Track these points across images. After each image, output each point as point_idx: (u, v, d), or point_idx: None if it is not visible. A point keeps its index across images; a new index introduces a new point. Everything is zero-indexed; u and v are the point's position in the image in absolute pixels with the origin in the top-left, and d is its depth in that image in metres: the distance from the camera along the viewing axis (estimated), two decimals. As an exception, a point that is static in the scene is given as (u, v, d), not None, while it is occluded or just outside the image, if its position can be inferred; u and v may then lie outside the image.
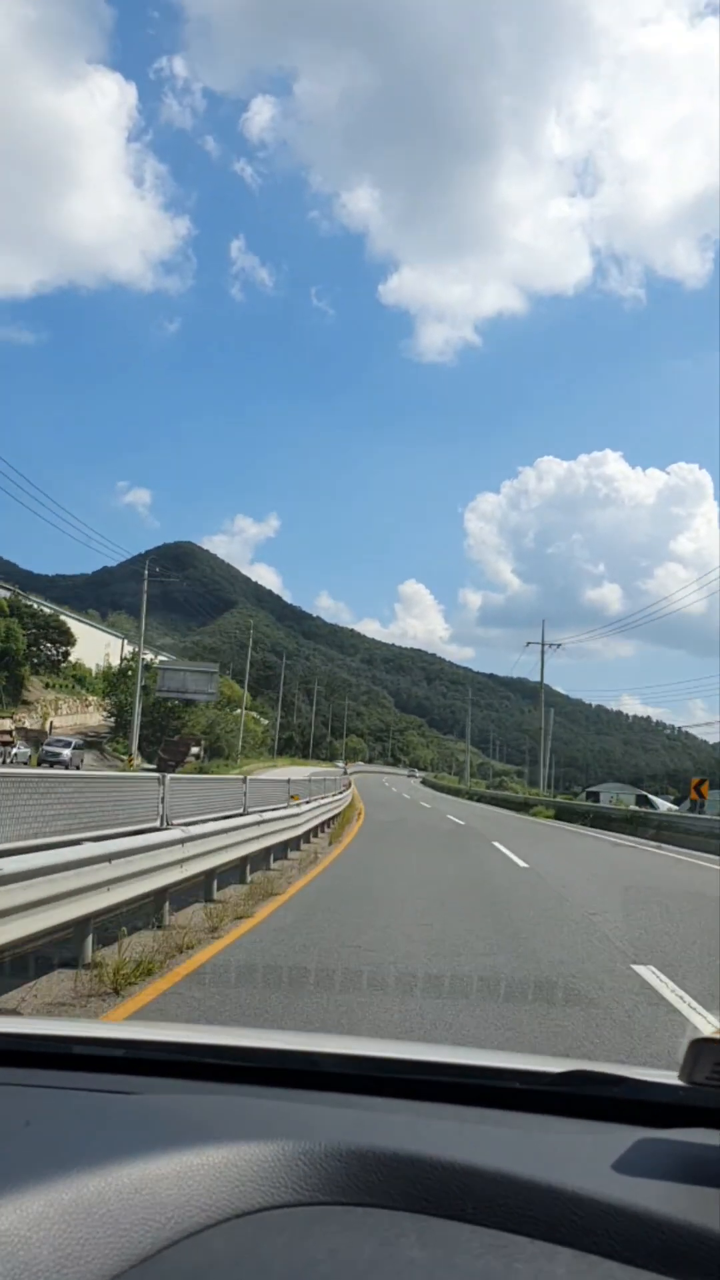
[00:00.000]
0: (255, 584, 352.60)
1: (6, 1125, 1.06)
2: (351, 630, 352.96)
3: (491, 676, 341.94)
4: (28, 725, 47.77)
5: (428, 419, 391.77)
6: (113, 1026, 2.09)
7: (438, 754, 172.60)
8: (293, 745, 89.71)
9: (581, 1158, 1.03)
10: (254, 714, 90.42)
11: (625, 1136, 1.08)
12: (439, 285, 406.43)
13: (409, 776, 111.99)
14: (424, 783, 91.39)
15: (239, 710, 75.43)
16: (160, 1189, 0.88)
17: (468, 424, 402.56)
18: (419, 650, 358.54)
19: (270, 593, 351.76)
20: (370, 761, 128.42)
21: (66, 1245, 0.78)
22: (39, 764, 37.14)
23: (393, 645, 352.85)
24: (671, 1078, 1.16)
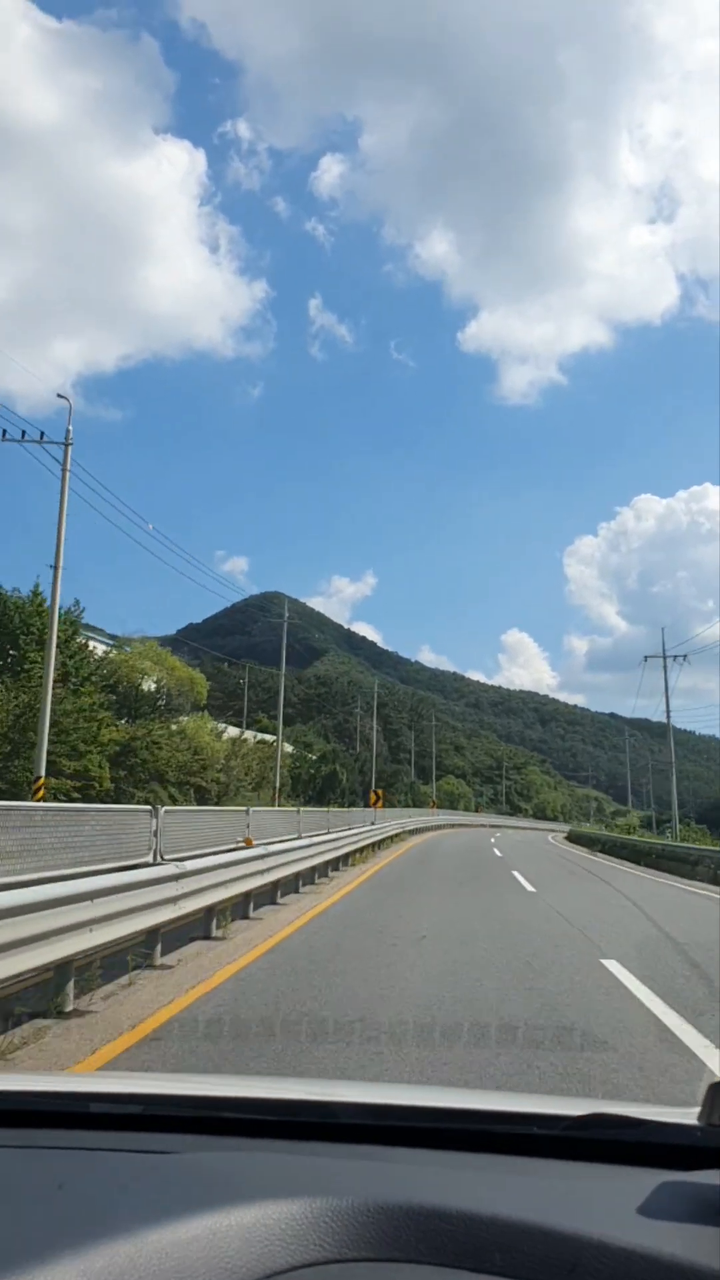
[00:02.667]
0: (349, 631, 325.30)
1: (39, 1189, 1.05)
2: (455, 674, 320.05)
3: (613, 716, 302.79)
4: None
5: (517, 464, 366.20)
6: (126, 1080, 2.11)
7: (569, 799, 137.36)
8: (335, 786, 58.15)
9: (604, 1203, 1.02)
10: (289, 746, 60.29)
11: (647, 1180, 1.06)
12: (520, 326, 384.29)
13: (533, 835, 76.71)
14: (573, 839, 58.99)
15: (247, 734, 45.41)
16: (191, 1252, 0.87)
17: (558, 466, 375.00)
18: (530, 692, 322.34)
19: (364, 639, 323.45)
20: (478, 809, 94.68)
21: None
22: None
23: (500, 688, 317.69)
24: (691, 1117, 1.13)
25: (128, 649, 38.71)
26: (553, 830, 76.20)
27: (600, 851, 36.97)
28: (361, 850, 23.13)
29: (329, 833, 18.93)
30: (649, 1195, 1.01)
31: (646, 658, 48.34)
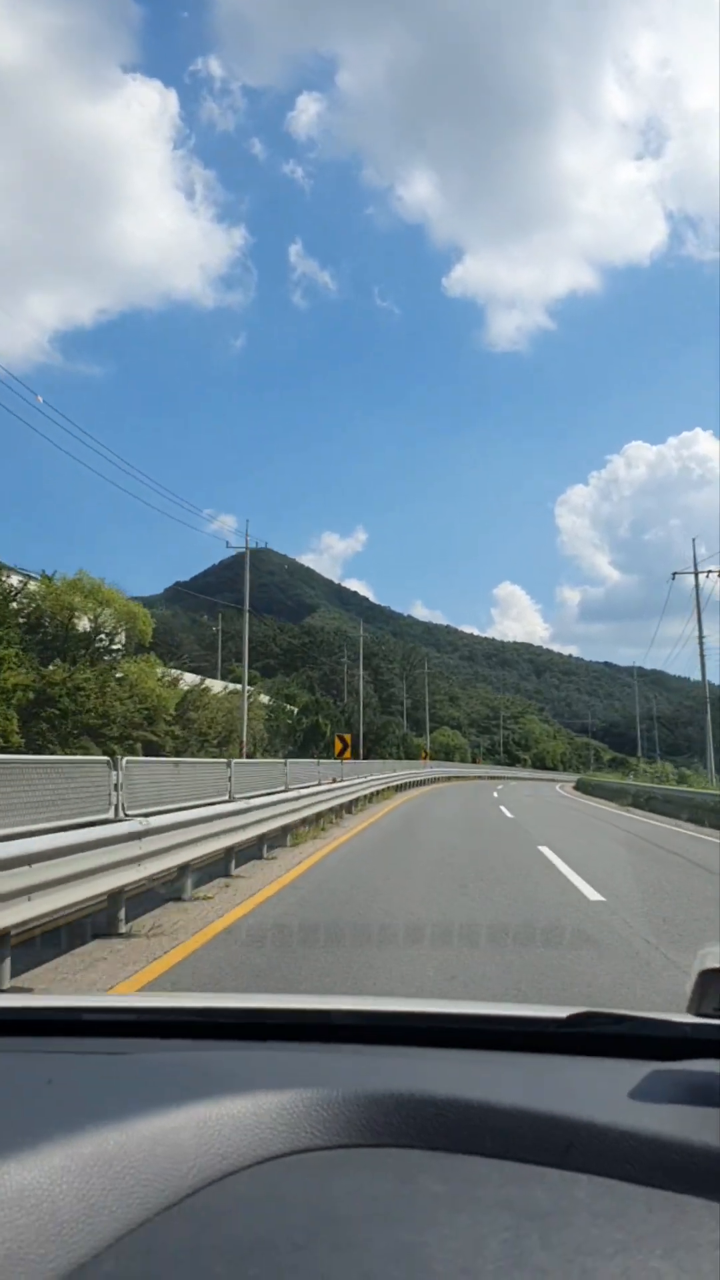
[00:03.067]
0: (340, 586, 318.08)
1: (27, 1086, 1.07)
2: (448, 627, 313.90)
3: (608, 665, 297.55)
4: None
5: (507, 412, 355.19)
6: (122, 997, 2.14)
7: (568, 747, 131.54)
8: (319, 740, 51.94)
9: (595, 1090, 1.06)
10: (265, 697, 54.00)
11: (637, 1070, 1.09)
12: (506, 270, 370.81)
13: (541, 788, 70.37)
14: (584, 789, 53.03)
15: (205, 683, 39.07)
16: (181, 1139, 0.89)
17: (548, 413, 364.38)
18: (524, 643, 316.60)
19: (355, 594, 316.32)
20: (475, 760, 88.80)
21: (90, 1195, 0.78)
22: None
23: (494, 640, 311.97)
24: (679, 1017, 1.16)
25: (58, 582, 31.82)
26: (555, 780, 70.20)
27: (633, 806, 30.34)
28: (317, 815, 16.76)
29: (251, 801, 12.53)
30: (640, 1082, 1.04)
31: (675, 574, 43.98)
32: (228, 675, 57.81)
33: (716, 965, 1.07)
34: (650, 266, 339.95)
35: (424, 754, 52.65)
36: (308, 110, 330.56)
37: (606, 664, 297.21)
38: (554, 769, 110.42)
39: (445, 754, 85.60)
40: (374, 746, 67.13)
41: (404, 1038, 1.34)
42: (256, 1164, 0.90)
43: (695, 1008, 1.09)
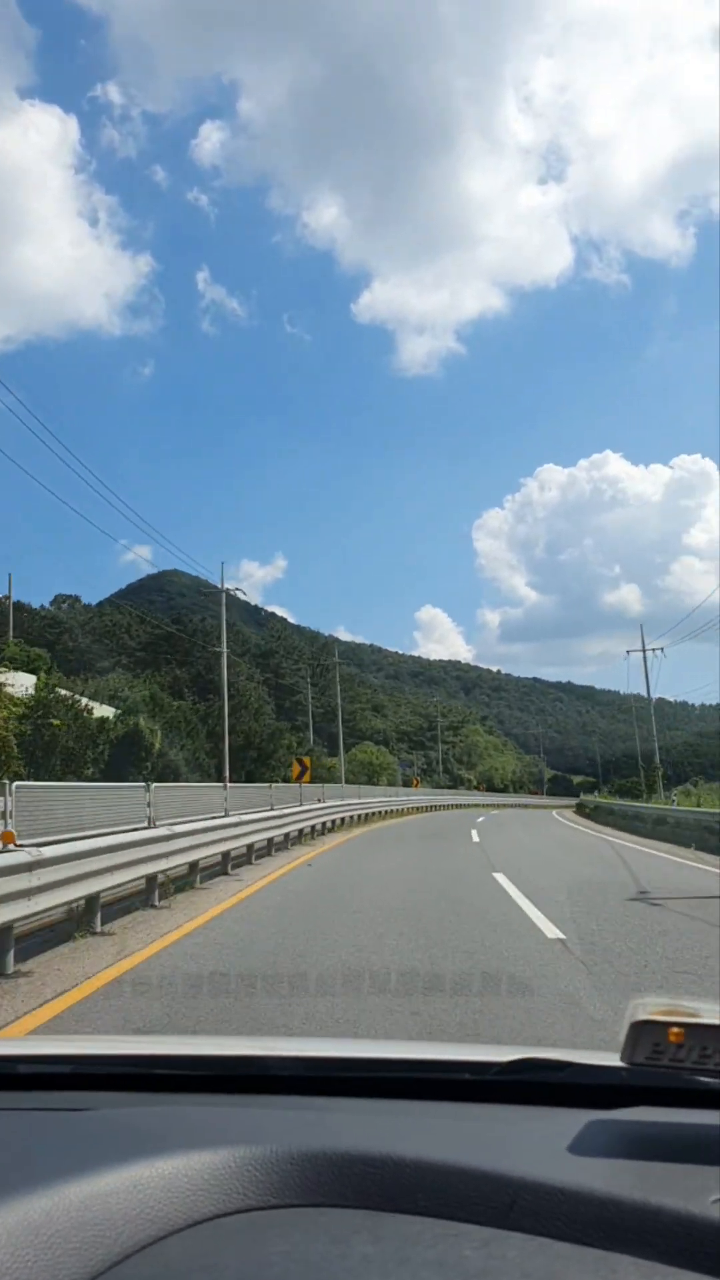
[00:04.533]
0: (257, 608, 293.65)
1: None
2: (372, 646, 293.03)
3: (536, 680, 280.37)
4: None
5: (421, 437, 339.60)
6: (57, 1042, 2.02)
7: (518, 764, 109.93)
8: (137, 756, 29.16)
9: (531, 1143, 1.04)
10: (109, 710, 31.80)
11: (575, 1120, 1.09)
12: (415, 294, 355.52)
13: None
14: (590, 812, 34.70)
15: None
16: (111, 1204, 0.86)
17: (462, 438, 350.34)
18: (452, 660, 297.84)
19: (274, 614, 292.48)
20: (414, 783, 65.34)
21: (14, 1269, 0.75)
22: None
23: (420, 658, 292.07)
24: (615, 1059, 1.13)
25: None
26: (543, 805, 52.66)
27: None
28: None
29: None
30: (577, 1134, 1.03)
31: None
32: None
33: (647, 1017, 1.02)
34: (557, 290, 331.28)
35: (298, 769, 30.46)
36: (210, 138, 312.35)
37: (535, 679, 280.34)
38: (503, 789, 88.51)
39: (368, 775, 62.84)
40: (257, 767, 44.12)
41: (341, 1088, 1.29)
42: (189, 1227, 0.87)
43: (627, 1057, 1.04)
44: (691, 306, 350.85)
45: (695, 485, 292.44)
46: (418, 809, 41.90)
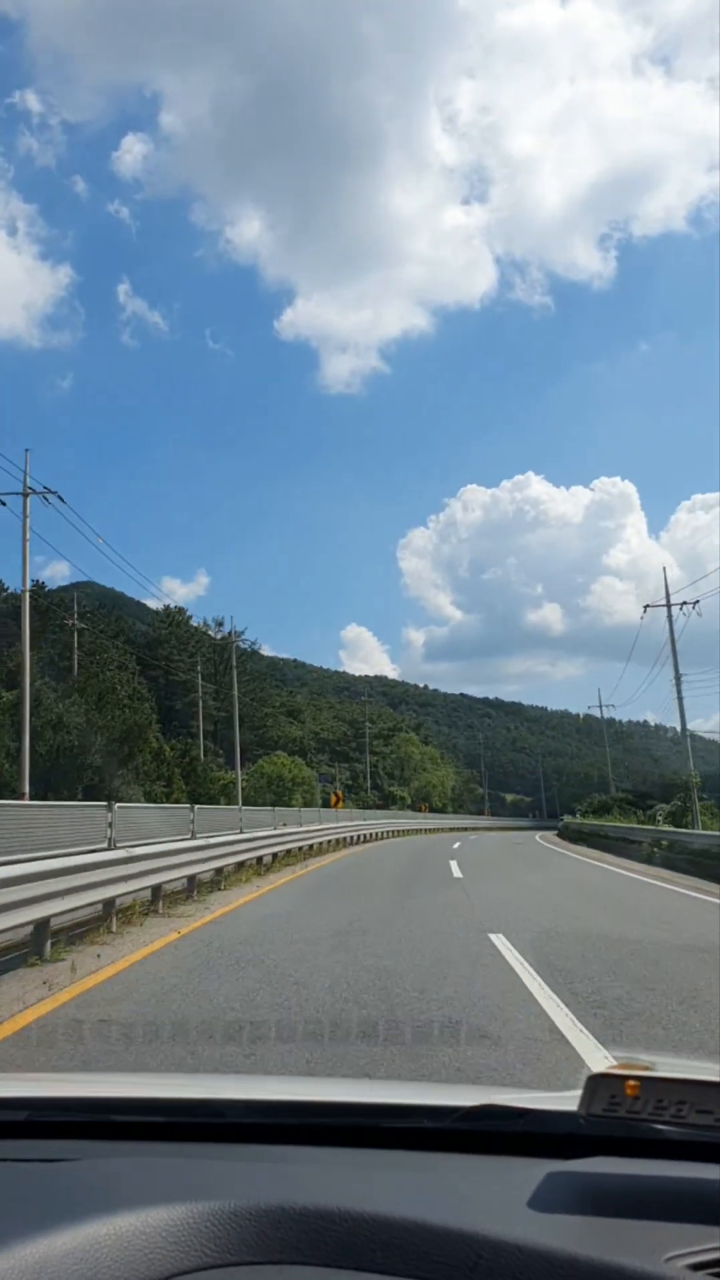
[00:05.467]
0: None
1: None
2: (295, 661, 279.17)
3: (464, 695, 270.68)
4: None
5: (345, 455, 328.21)
6: (11, 1083, 1.89)
7: (458, 780, 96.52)
8: None
9: (491, 1197, 1.04)
10: None
11: (534, 1171, 1.08)
12: (337, 312, 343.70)
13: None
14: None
15: None
16: (65, 1266, 0.82)
17: (386, 457, 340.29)
18: (379, 676, 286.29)
19: (179, 610, 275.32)
20: (335, 801, 50.81)
21: None
22: None
23: (345, 673, 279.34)
24: (573, 1104, 1.13)
25: None
26: (503, 828, 47.55)
27: None
28: None
29: None
30: (537, 1187, 1.03)
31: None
32: None
33: (604, 1070, 1.05)
34: (480, 310, 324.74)
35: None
36: (132, 150, 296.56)
37: (463, 695, 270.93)
38: (441, 809, 75.21)
39: (277, 794, 48.68)
40: (104, 778, 29.79)
41: (298, 1135, 1.25)
42: None
43: (585, 1109, 1.05)
44: (612, 329, 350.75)
45: (615, 507, 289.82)
46: (346, 841, 28.21)
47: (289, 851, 19.92)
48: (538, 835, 44.26)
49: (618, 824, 30.66)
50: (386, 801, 65.07)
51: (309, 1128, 1.28)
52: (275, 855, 18.53)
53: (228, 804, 36.46)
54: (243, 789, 45.58)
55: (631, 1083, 1.01)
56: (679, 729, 38.48)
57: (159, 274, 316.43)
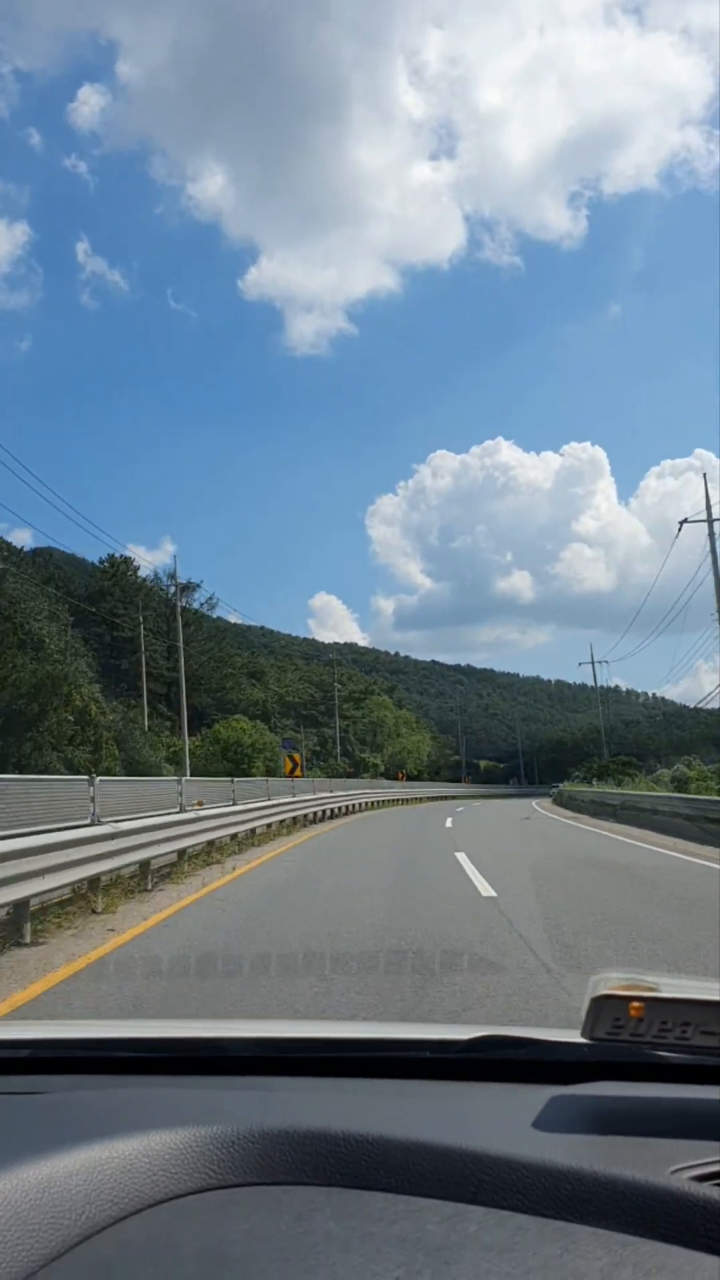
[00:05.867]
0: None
1: None
2: (262, 628, 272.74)
3: (435, 663, 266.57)
4: None
5: (313, 419, 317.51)
6: (12, 1027, 1.98)
7: (434, 747, 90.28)
8: None
9: (493, 1119, 1.06)
10: None
11: (539, 1096, 1.09)
12: (302, 271, 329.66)
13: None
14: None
15: None
16: (70, 1185, 0.85)
17: (354, 420, 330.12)
18: (350, 643, 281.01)
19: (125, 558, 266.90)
20: (294, 769, 45.07)
21: None
22: None
23: (314, 640, 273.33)
24: (576, 1035, 1.13)
25: None
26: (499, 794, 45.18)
27: None
28: None
29: None
30: (541, 1110, 1.04)
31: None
32: None
33: (608, 991, 1.03)
34: (450, 270, 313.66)
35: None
36: (89, 101, 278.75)
37: (434, 662, 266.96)
38: (417, 776, 69.66)
39: (234, 760, 42.88)
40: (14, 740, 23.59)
41: (301, 1068, 1.28)
42: (148, 1207, 0.86)
43: (588, 1032, 1.05)
44: (583, 290, 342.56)
45: (585, 473, 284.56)
46: (308, 819, 22.26)
47: (211, 843, 13.90)
48: (535, 803, 39.54)
49: (659, 793, 24.99)
50: (358, 769, 59.22)
51: (314, 1060, 1.29)
52: (183, 853, 12.49)
53: (175, 774, 30.41)
54: (193, 757, 39.50)
55: (635, 1004, 1.01)
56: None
57: (119, 231, 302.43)
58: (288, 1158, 0.93)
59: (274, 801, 20.06)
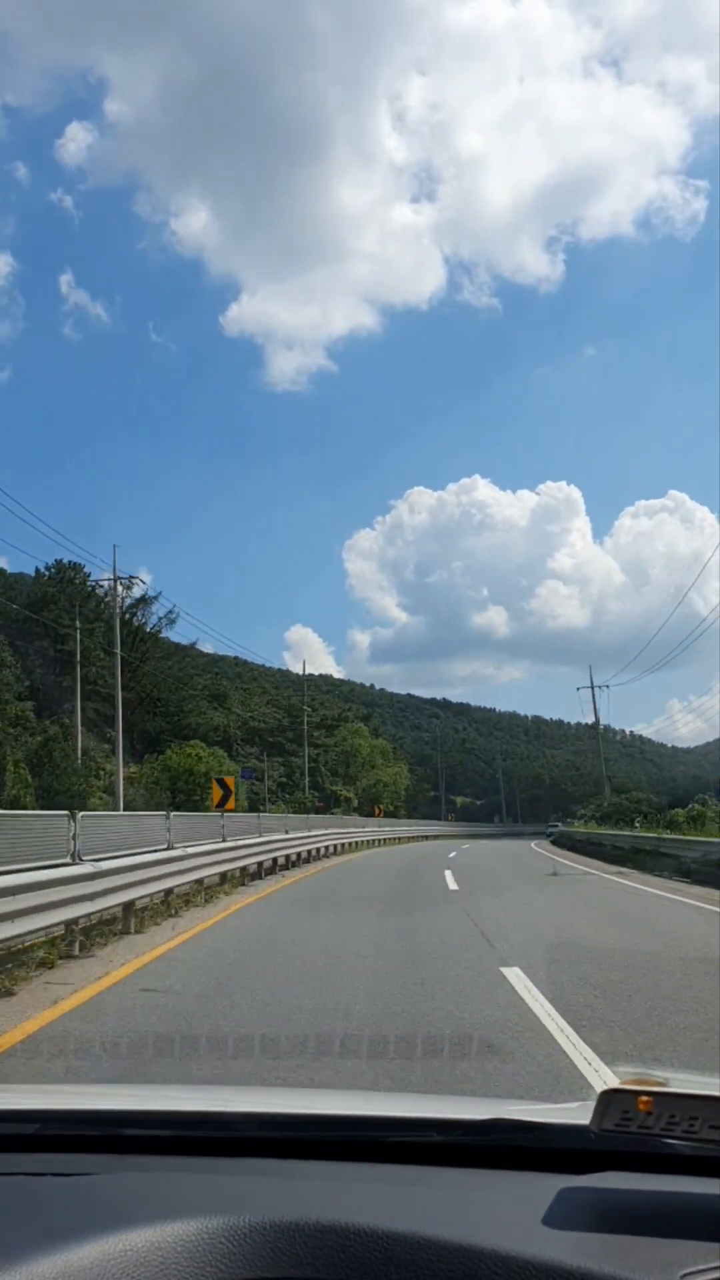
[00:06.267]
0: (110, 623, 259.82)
1: None
2: (235, 659, 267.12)
3: (411, 696, 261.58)
4: None
5: (291, 454, 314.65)
6: (22, 1095, 1.91)
7: (411, 780, 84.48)
8: None
9: (503, 1212, 1.04)
10: None
11: (546, 1186, 1.07)
12: (284, 308, 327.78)
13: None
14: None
15: None
16: None
17: (332, 457, 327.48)
18: (324, 674, 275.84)
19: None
20: (255, 805, 38.39)
21: None
22: None
23: (288, 672, 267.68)
24: (585, 1118, 1.13)
25: None
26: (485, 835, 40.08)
27: None
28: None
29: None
30: (550, 1203, 1.02)
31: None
32: None
33: (616, 1086, 1.06)
34: (429, 310, 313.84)
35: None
36: (76, 138, 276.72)
37: (410, 695, 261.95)
38: (393, 811, 63.79)
39: (184, 791, 37.25)
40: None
41: (307, 1149, 1.25)
42: None
43: (597, 1125, 1.05)
44: (560, 333, 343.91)
45: (560, 511, 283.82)
46: (252, 873, 16.26)
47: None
48: (535, 845, 35.32)
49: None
50: (328, 803, 53.45)
51: (318, 1141, 1.27)
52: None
53: (107, 808, 24.77)
54: (134, 786, 33.75)
55: (644, 1098, 1.01)
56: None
57: (102, 265, 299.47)
58: (299, 1251, 0.91)
59: (198, 850, 13.21)
